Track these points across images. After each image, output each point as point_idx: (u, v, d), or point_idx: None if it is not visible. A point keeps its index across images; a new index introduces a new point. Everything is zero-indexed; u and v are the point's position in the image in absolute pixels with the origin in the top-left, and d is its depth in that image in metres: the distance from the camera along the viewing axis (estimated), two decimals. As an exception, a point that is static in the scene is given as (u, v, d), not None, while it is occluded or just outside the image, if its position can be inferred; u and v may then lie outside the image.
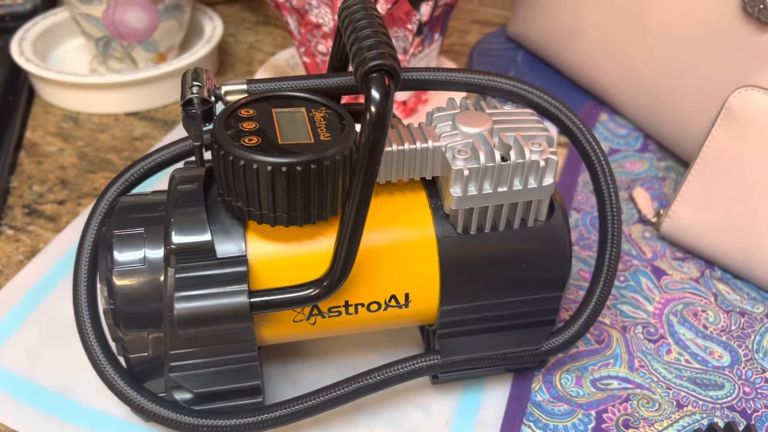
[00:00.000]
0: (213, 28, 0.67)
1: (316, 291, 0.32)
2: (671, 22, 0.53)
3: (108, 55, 0.63)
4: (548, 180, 0.33)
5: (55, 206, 0.52)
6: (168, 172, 0.38)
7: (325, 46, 0.55)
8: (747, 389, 0.40)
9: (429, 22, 0.53)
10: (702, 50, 0.51)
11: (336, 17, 0.52)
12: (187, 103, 0.33)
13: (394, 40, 0.53)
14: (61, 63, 0.66)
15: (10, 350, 0.41)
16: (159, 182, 0.49)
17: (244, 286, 0.31)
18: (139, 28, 0.61)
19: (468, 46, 0.73)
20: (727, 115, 0.46)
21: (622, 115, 0.61)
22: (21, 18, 0.69)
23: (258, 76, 0.64)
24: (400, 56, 0.54)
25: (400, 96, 0.58)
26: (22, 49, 0.63)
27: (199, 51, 0.64)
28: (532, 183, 0.33)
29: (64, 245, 0.48)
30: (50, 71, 0.60)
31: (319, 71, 0.57)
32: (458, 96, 0.37)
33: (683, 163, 0.56)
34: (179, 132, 0.60)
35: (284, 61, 0.67)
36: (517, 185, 0.33)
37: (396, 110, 0.59)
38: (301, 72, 0.64)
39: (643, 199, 0.52)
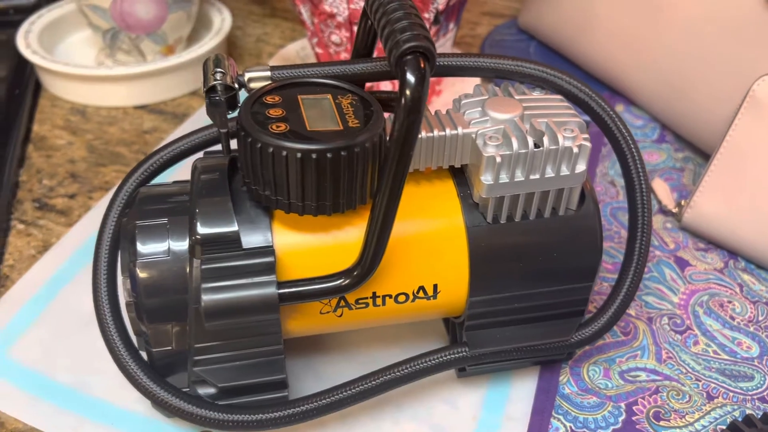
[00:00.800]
0: (222, 20, 0.66)
1: (346, 281, 0.31)
2: (689, 10, 0.52)
3: (115, 48, 0.63)
4: (581, 167, 0.33)
5: (65, 200, 0.51)
6: (186, 162, 0.37)
7: (338, 36, 0.54)
8: (777, 380, 0.39)
9: (445, 11, 0.53)
10: (721, 39, 0.50)
11: (350, 7, 0.51)
12: (210, 90, 0.32)
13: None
14: (68, 56, 0.65)
15: (25, 346, 0.40)
16: (176, 174, 0.48)
17: (273, 277, 0.30)
18: (147, 19, 0.60)
19: (479, 37, 0.72)
20: (751, 104, 0.45)
21: (638, 106, 0.60)
22: (24, 11, 0.68)
23: (268, 68, 0.63)
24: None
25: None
26: (28, 41, 0.62)
27: (208, 43, 0.63)
28: (565, 170, 0.33)
29: (77, 239, 0.47)
30: (57, 63, 0.59)
31: (332, 62, 0.56)
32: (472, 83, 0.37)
33: (701, 153, 0.55)
34: (190, 125, 0.59)
35: (294, 53, 0.66)
36: (550, 173, 0.32)
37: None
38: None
39: (663, 190, 0.51)
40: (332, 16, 0.52)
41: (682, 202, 0.49)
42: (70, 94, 0.61)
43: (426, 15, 0.51)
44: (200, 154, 0.37)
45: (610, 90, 0.62)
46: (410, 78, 0.27)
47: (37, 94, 0.62)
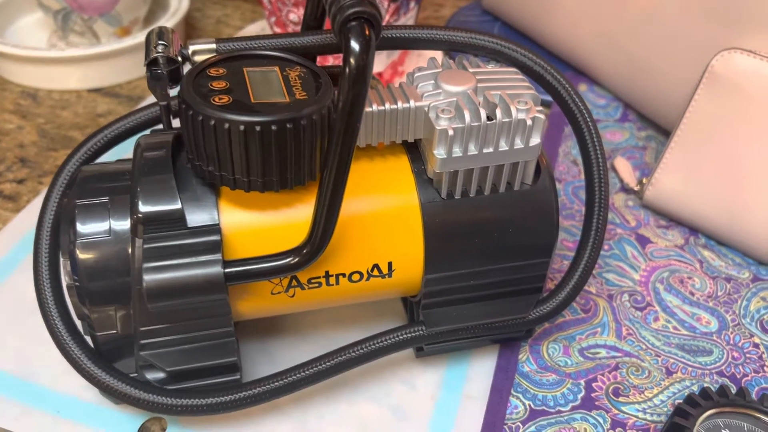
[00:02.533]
0: (179, 1, 0.65)
1: (295, 260, 0.30)
2: (650, -13, 0.52)
3: (68, 29, 0.61)
4: (535, 140, 0.32)
5: (14, 185, 0.49)
6: (132, 141, 0.35)
7: (296, 15, 0.53)
8: (735, 354, 0.39)
9: (404, -12, 0.52)
10: (683, 13, 0.50)
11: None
12: (152, 63, 0.31)
13: (368, 7, 0.51)
14: (19, 38, 0.63)
15: (-32, 334, 0.38)
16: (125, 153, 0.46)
17: (218, 256, 0.29)
18: (100, 0, 0.58)
19: (443, 19, 0.72)
20: (710, 79, 0.45)
21: (601, 86, 0.60)
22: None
23: (227, 49, 0.62)
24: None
25: (376, 66, 0.56)
26: (-25, 23, 0.59)
27: (165, 24, 0.61)
28: (519, 143, 0.32)
29: (24, 225, 0.45)
30: (6, 45, 0.57)
31: (291, 42, 0.55)
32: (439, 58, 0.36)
33: (663, 132, 0.55)
34: (145, 108, 0.57)
35: (254, 34, 0.64)
36: (503, 146, 0.32)
37: (371, 83, 0.57)
38: (272, 45, 0.62)
39: (625, 168, 0.51)
40: (289, -7, 0.51)
41: (644, 180, 0.49)
42: (20, 78, 0.59)
43: (384, -8, 0.50)
44: (148, 133, 0.35)
45: (573, 70, 0.62)
46: (354, 45, 0.26)
47: (-14, 78, 0.60)
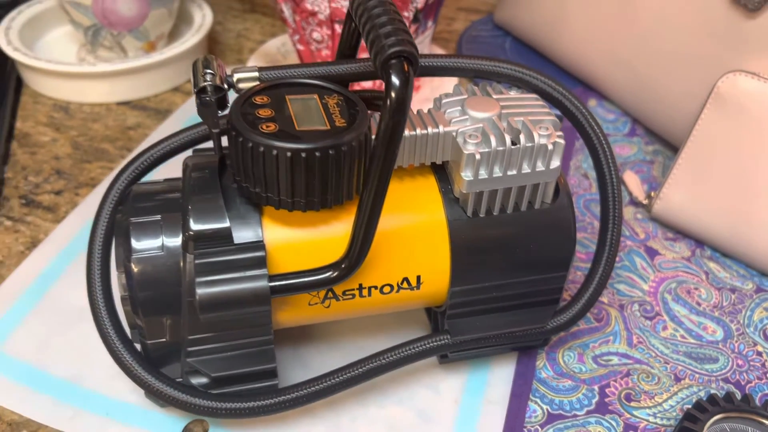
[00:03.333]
0: (203, 16, 0.67)
1: (335, 274, 0.32)
2: (659, 7, 0.54)
3: (97, 44, 0.63)
4: (555, 163, 0.34)
5: (52, 196, 0.51)
6: (175, 161, 0.38)
7: (319, 34, 0.55)
8: (740, 362, 0.41)
9: (424, 9, 0.54)
10: (689, 36, 0.52)
11: (331, 5, 0.53)
12: (201, 91, 0.33)
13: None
14: (49, 52, 0.65)
15: (19, 340, 0.41)
16: (160, 172, 0.49)
17: (264, 270, 0.32)
18: (129, 16, 0.61)
19: (455, 33, 0.74)
20: (715, 100, 0.47)
21: (610, 101, 0.62)
22: (4, 6, 0.68)
23: (250, 64, 0.64)
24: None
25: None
26: (9, 38, 0.62)
27: (190, 39, 0.64)
28: (540, 166, 0.34)
29: (65, 235, 0.48)
30: (39, 60, 0.59)
31: (313, 59, 0.58)
32: (453, 83, 0.38)
33: (671, 147, 0.58)
34: (173, 121, 0.59)
35: (275, 49, 0.67)
36: (526, 168, 0.34)
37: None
38: (293, 60, 0.64)
39: (634, 181, 0.54)
40: (313, 14, 0.54)
41: (652, 194, 0.51)
42: (52, 91, 0.62)
43: (405, 14, 0.52)
44: (189, 152, 0.38)
45: (583, 85, 0.64)
46: (395, 81, 0.28)
47: (18, 91, 0.62)
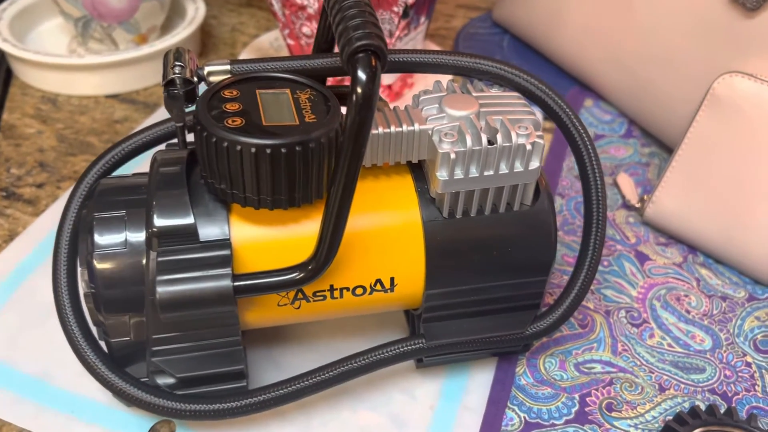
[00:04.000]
0: (195, 9, 0.66)
1: (301, 275, 0.31)
2: (657, 7, 0.53)
3: (87, 36, 0.62)
4: (534, 164, 0.33)
5: (33, 189, 0.51)
6: (150, 154, 0.37)
7: (309, 28, 0.54)
8: (728, 372, 0.40)
9: (415, 5, 0.53)
10: (687, 36, 0.51)
11: (321, -1, 0.52)
12: (169, 84, 0.32)
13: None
14: (40, 43, 0.65)
15: (-12, 335, 0.40)
16: (140, 165, 0.48)
17: (228, 270, 0.31)
18: (119, 8, 0.60)
19: (454, 30, 0.73)
20: (711, 101, 0.46)
21: (606, 101, 0.61)
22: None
23: (241, 58, 0.63)
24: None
25: (386, 79, 0.57)
26: (-2, 28, 0.61)
27: (182, 32, 0.63)
28: (518, 167, 0.33)
29: (43, 229, 0.47)
30: (28, 52, 0.59)
31: (304, 53, 0.57)
32: (445, 79, 0.37)
33: (667, 149, 0.56)
34: (161, 115, 0.59)
35: (268, 44, 0.66)
36: (503, 169, 0.33)
37: (381, 94, 0.58)
38: (285, 54, 0.63)
39: (627, 184, 0.52)
40: (303, 8, 0.53)
41: (645, 197, 0.50)
42: (41, 83, 0.61)
43: (395, 8, 0.51)
44: (163, 146, 0.37)
45: (580, 85, 0.63)
46: (361, 75, 0.27)
47: (7, 82, 0.62)
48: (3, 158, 0.53)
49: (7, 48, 0.59)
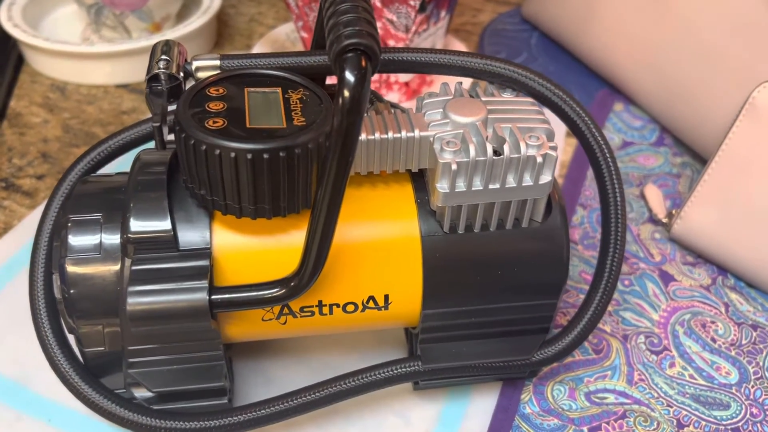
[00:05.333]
0: (211, -2, 0.64)
1: (282, 291, 0.29)
2: (695, 9, 0.49)
3: (100, 23, 0.61)
4: (546, 178, 0.30)
5: (33, 181, 0.49)
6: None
7: (323, 21, 0.52)
8: (755, 410, 0.37)
9: (434, -2, 0.50)
10: (727, 39, 0.47)
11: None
12: (152, 79, 0.30)
13: (395, 17, 0.50)
14: (54, 30, 0.64)
15: (-29, 333, 0.39)
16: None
17: (204, 282, 0.29)
18: (131, -5, 0.58)
19: (480, 25, 0.69)
20: (750, 111, 0.42)
21: (638, 106, 0.57)
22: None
23: (256, 50, 0.61)
24: (401, 34, 0.51)
25: (403, 76, 0.55)
26: (11, 14, 0.60)
27: (196, 21, 0.61)
28: (528, 180, 0.30)
29: (37, 223, 0.45)
30: (38, 39, 0.58)
31: (318, 47, 0.54)
32: (467, 81, 0.34)
33: (701, 159, 0.52)
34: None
35: (284, 35, 0.63)
36: (511, 182, 0.30)
37: (398, 91, 0.55)
38: (301, 47, 0.61)
39: (655, 197, 0.49)
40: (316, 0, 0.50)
41: (673, 212, 0.46)
42: (51, 71, 0.60)
43: (411, 2, 0.48)
44: (152, 144, 0.35)
45: (610, 87, 0.59)
46: (349, 77, 0.25)
47: (18, 69, 0.61)
48: (6, 147, 0.52)
49: (18, 34, 0.58)
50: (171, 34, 0.59)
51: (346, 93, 0.25)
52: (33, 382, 0.36)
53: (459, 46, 0.62)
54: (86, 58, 0.58)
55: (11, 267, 0.42)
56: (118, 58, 0.59)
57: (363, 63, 0.25)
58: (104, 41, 0.61)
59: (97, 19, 0.60)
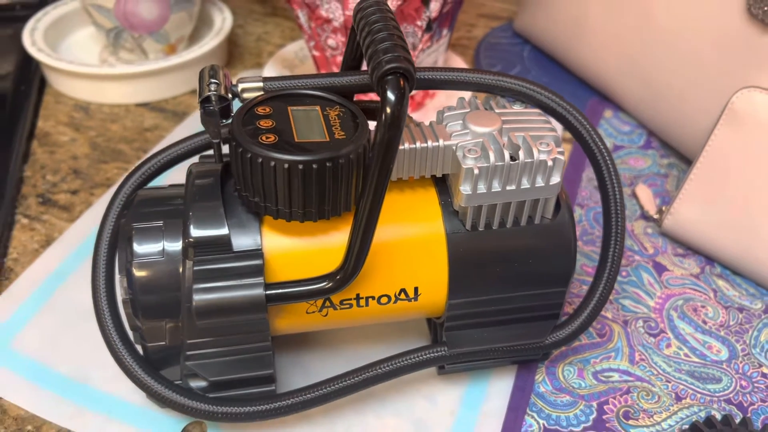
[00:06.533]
0: (222, 19, 0.68)
1: (330, 284, 0.33)
2: (677, 20, 0.54)
3: (119, 46, 0.64)
4: (555, 179, 0.34)
5: (68, 196, 0.53)
6: (182, 166, 0.39)
7: (334, 41, 0.56)
8: (744, 383, 0.41)
9: (438, 18, 0.54)
10: (706, 49, 0.51)
11: (346, 12, 0.53)
12: (205, 101, 0.33)
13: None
14: (72, 52, 0.67)
15: (27, 336, 0.42)
16: (172, 176, 0.50)
17: (260, 279, 0.32)
18: (150, 19, 0.62)
19: (475, 40, 0.74)
20: (729, 115, 0.47)
21: (626, 112, 0.62)
22: (30, 7, 0.70)
23: (267, 68, 0.65)
24: (408, 52, 0.55)
25: (408, 90, 0.58)
26: (33, 38, 0.63)
27: (209, 43, 0.65)
28: (540, 182, 0.34)
29: (78, 234, 0.49)
30: (62, 61, 0.61)
31: (329, 65, 0.58)
32: (467, 95, 0.38)
33: (686, 160, 0.57)
34: (190, 123, 0.60)
35: (293, 54, 0.67)
36: (525, 184, 0.34)
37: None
38: (310, 65, 0.65)
39: (646, 195, 0.53)
40: (328, 21, 0.54)
41: (663, 209, 0.51)
42: (73, 91, 0.63)
43: (418, 23, 0.52)
44: (197, 158, 0.39)
45: (600, 96, 0.64)
46: (390, 97, 0.29)
47: (41, 91, 0.64)
48: (38, 165, 0.55)
49: (42, 57, 0.61)
50: (187, 55, 0.63)
51: (388, 110, 0.29)
52: (91, 379, 0.40)
53: (457, 60, 0.66)
54: (108, 79, 0.61)
55: (58, 276, 0.46)
56: (137, 78, 0.62)
57: (402, 84, 0.29)
58: (122, 62, 0.65)
59: (116, 42, 0.64)
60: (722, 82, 0.50)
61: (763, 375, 0.41)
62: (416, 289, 0.36)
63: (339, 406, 0.39)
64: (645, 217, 0.52)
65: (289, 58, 0.67)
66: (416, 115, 0.59)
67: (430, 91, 0.61)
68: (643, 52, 0.57)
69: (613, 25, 0.59)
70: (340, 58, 0.57)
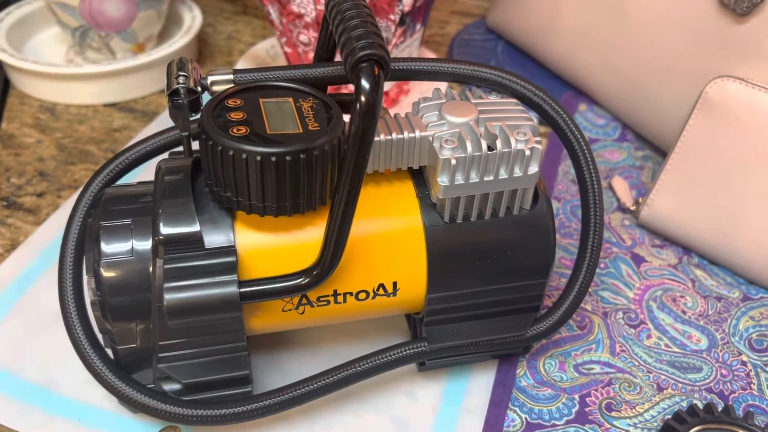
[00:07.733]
0: (192, 18, 0.67)
1: (306, 280, 0.32)
2: (649, 13, 0.54)
3: (85, 45, 0.63)
4: (533, 169, 0.34)
5: (34, 198, 0.51)
6: (152, 163, 0.37)
7: (306, 36, 0.55)
8: (724, 371, 0.41)
9: (411, 12, 0.54)
10: (679, 41, 0.52)
11: (317, 7, 0.52)
12: (173, 93, 0.32)
13: (376, 31, 0.53)
14: (37, 52, 0.65)
15: (-7, 344, 0.40)
16: (143, 174, 0.49)
17: (234, 276, 0.31)
18: (116, 17, 0.60)
19: (448, 36, 0.73)
20: (704, 105, 0.47)
21: (600, 106, 0.62)
22: (-7, 7, 0.68)
23: (238, 66, 0.64)
24: (382, 47, 0.54)
25: (382, 86, 0.58)
26: (-4, 38, 0.61)
27: (179, 41, 0.63)
28: (518, 172, 0.34)
29: (45, 238, 0.47)
30: (26, 61, 0.59)
31: (301, 61, 0.57)
32: (443, 86, 0.38)
33: (660, 152, 0.57)
34: (159, 123, 0.59)
35: (264, 52, 0.66)
36: (503, 174, 0.34)
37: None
38: (282, 62, 0.64)
39: (622, 187, 0.53)
40: (300, 16, 0.53)
41: (640, 200, 0.51)
42: (39, 92, 0.61)
43: (391, 17, 0.52)
44: (166, 155, 0.37)
45: (574, 89, 0.64)
46: (365, 84, 0.28)
47: (5, 92, 0.62)
48: (3, 168, 0.54)
49: (5, 58, 0.60)
50: (155, 54, 0.62)
51: (363, 98, 0.28)
52: (59, 385, 0.38)
53: (431, 56, 0.66)
54: (74, 79, 0.60)
55: (24, 280, 0.44)
56: (104, 78, 0.61)
57: (376, 71, 0.28)
58: (89, 62, 0.63)
59: (82, 41, 0.62)
60: (696, 74, 0.50)
61: (743, 363, 0.41)
62: (395, 284, 0.35)
63: (318, 406, 0.38)
64: (622, 209, 0.52)
65: (261, 56, 0.66)
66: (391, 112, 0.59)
67: (405, 88, 0.61)
68: (616, 46, 0.57)
69: (586, 18, 0.59)
70: (312, 54, 0.56)
